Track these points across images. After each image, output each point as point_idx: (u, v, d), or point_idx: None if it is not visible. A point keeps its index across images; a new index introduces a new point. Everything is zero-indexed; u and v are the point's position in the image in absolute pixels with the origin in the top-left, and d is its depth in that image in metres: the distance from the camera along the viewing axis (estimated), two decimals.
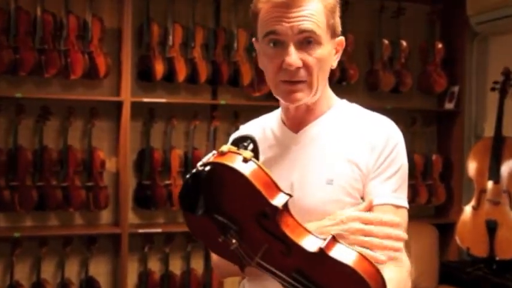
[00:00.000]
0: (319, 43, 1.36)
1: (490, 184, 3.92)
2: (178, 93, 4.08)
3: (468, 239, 3.96)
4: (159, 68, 3.88)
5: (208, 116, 4.10)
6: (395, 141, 1.42)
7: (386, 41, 4.34)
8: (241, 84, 4.03)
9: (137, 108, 3.86)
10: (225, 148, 1.10)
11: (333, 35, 1.42)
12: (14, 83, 3.74)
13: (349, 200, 1.38)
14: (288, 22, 1.33)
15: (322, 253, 1.02)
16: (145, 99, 3.88)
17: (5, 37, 3.61)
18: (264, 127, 1.54)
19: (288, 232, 1.04)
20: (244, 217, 1.07)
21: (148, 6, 3.91)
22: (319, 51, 1.36)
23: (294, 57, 1.34)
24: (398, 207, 1.38)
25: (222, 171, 1.06)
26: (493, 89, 4.07)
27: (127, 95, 3.77)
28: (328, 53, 1.40)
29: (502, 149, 3.92)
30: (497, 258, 3.81)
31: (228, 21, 4.07)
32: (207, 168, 1.07)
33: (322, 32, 1.36)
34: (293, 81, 1.36)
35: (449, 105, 4.44)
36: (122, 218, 3.81)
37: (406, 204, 1.41)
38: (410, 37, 4.42)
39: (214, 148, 4.00)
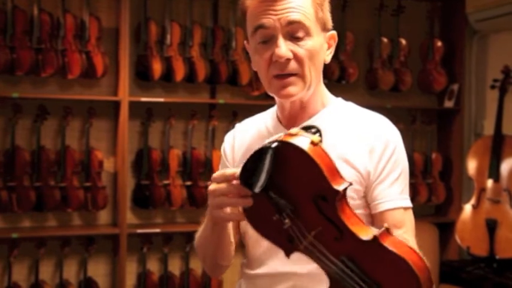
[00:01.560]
0: (309, 34, 1.35)
1: (490, 183, 3.90)
2: (176, 92, 4.06)
3: (468, 238, 3.94)
4: (157, 67, 3.86)
5: (207, 116, 4.08)
6: (395, 142, 1.41)
7: (385, 39, 4.32)
8: (239, 83, 4.01)
9: (135, 108, 3.84)
10: (294, 130, 1.12)
11: (323, 28, 1.40)
12: (11, 82, 3.72)
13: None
14: (276, 15, 1.33)
15: (375, 241, 1.04)
16: (143, 99, 3.87)
17: (2, 36, 3.59)
18: (259, 125, 1.52)
19: (343, 218, 1.07)
20: (302, 198, 1.10)
21: (146, 5, 3.89)
22: (309, 43, 1.35)
23: (283, 48, 1.33)
24: (406, 208, 1.40)
25: (288, 150, 1.09)
26: (492, 87, 4.05)
27: (125, 95, 3.76)
28: (320, 45, 1.38)
29: (502, 148, 3.91)
30: (498, 257, 3.79)
31: (226, 20, 4.05)
32: (274, 144, 1.10)
33: (311, 24, 1.35)
34: (285, 74, 1.35)
35: (448, 104, 4.43)
36: (120, 219, 3.79)
37: (411, 203, 1.42)
38: (410, 35, 4.40)
39: (213, 147, 4.01)
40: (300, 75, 1.36)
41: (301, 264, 1.40)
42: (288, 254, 1.18)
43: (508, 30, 4.28)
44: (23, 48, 3.60)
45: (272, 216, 1.13)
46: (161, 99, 3.90)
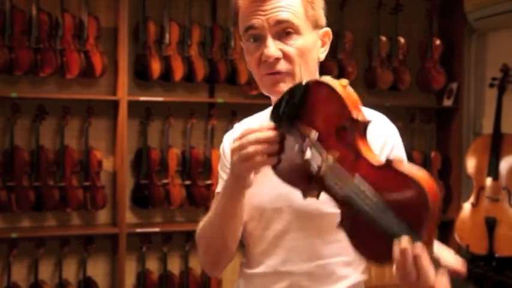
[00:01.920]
0: (298, 33, 1.35)
1: (488, 181, 3.90)
2: (175, 91, 4.06)
3: (467, 237, 3.94)
4: (156, 67, 3.86)
5: (206, 115, 4.08)
6: (394, 140, 1.41)
7: (384, 38, 4.32)
8: (238, 82, 4.01)
9: (134, 107, 3.84)
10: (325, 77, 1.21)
11: (315, 26, 1.40)
12: (10, 82, 3.72)
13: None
14: (264, 15, 1.34)
15: (389, 165, 1.07)
16: (142, 98, 3.87)
17: (0, 36, 3.59)
18: (256, 125, 1.52)
19: (360, 144, 1.13)
20: (325, 130, 1.17)
21: (145, 5, 3.89)
22: (299, 41, 1.36)
23: (272, 48, 1.34)
24: None
25: (319, 87, 1.17)
26: (491, 86, 4.05)
27: (123, 94, 3.76)
28: (311, 43, 1.39)
29: (501, 146, 3.91)
30: (497, 255, 3.79)
31: (224, 19, 4.05)
32: (304, 81, 1.18)
33: (300, 22, 1.36)
34: (275, 72, 1.36)
35: (447, 102, 4.43)
36: (119, 218, 3.79)
37: None
38: (408, 34, 4.41)
39: (212, 147, 4.01)
40: (291, 73, 1.36)
41: (299, 264, 1.41)
42: (305, 194, 1.19)
43: (507, 29, 4.28)
44: (21, 48, 3.60)
45: (293, 149, 1.19)
46: (160, 99, 3.90)
